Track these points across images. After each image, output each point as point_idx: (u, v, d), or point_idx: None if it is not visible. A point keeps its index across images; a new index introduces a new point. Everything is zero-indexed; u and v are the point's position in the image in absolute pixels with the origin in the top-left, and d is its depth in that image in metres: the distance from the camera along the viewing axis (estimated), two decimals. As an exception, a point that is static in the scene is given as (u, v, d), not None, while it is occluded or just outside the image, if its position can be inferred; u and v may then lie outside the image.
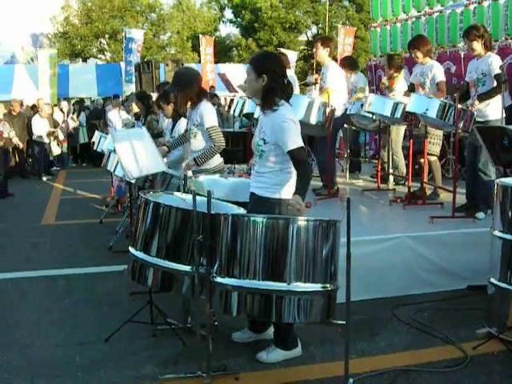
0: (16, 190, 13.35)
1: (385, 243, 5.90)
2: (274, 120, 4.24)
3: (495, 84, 6.62)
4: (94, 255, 7.70)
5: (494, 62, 6.66)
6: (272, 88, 4.27)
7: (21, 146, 14.79)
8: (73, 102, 24.44)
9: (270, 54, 4.99)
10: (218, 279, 3.77)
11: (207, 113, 5.68)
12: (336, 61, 8.82)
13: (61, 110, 20.30)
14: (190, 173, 5.32)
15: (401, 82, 9.07)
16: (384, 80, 9.22)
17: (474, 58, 7.06)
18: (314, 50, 8.09)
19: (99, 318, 5.53)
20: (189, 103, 5.79)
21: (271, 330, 4.75)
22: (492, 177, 6.59)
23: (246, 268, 3.65)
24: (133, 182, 5.81)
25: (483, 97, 6.67)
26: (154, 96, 9.75)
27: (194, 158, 5.68)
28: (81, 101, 23.40)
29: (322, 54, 7.87)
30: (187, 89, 5.70)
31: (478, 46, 6.75)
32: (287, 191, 4.29)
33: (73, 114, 20.59)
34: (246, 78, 4.48)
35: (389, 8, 13.35)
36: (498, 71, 6.59)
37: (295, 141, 4.16)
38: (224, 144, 5.69)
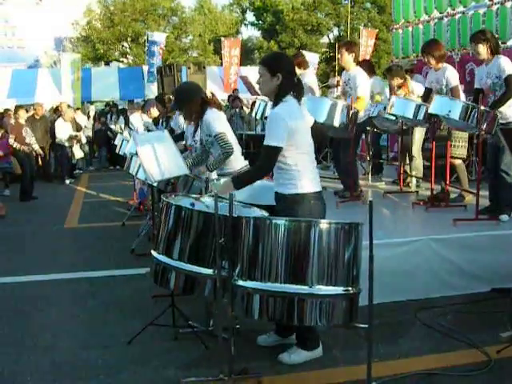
0: (39, 193, 13.45)
1: (408, 246, 5.87)
2: (268, 117, 4.38)
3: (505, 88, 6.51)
4: (117, 258, 7.74)
5: (504, 64, 6.54)
6: (285, 86, 4.35)
7: (41, 152, 14.83)
8: (99, 105, 24.61)
9: (281, 53, 5.19)
10: (240, 282, 3.76)
11: (212, 121, 5.71)
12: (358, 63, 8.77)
13: (88, 113, 20.47)
14: (212, 176, 5.34)
15: (414, 83, 9.06)
16: (399, 92, 9.12)
17: (481, 63, 6.98)
18: (339, 55, 8.00)
19: (122, 320, 5.56)
20: (194, 116, 5.85)
21: (297, 334, 4.76)
22: (514, 179, 6.52)
23: (268, 271, 3.64)
24: (155, 185, 5.83)
25: (496, 105, 6.57)
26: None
27: (206, 165, 5.75)
28: (108, 104, 23.45)
29: (348, 59, 7.79)
30: (189, 104, 5.79)
31: (483, 49, 6.66)
32: (306, 185, 4.33)
33: (110, 118, 20.62)
34: (258, 79, 4.52)
35: (411, 9, 13.31)
36: (508, 73, 6.50)
37: (267, 139, 4.23)
38: (232, 149, 5.71)
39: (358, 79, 7.72)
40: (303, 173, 4.33)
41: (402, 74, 9.27)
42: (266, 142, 4.24)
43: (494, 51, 6.69)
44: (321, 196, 4.46)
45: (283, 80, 4.33)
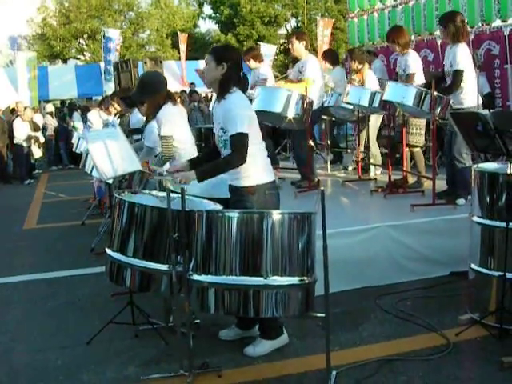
0: (-3, 194, 13.26)
1: (365, 233, 5.87)
2: (225, 106, 4.30)
3: (453, 79, 6.56)
4: (77, 257, 7.64)
5: (458, 55, 6.52)
6: (230, 77, 4.32)
7: None
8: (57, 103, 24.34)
9: (229, 45, 5.16)
10: (195, 277, 3.73)
11: (163, 120, 5.47)
12: (316, 53, 8.81)
13: (47, 113, 20.21)
14: (165, 171, 5.27)
15: (369, 74, 9.08)
16: (354, 77, 9.18)
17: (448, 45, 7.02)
18: (290, 45, 8.06)
19: (81, 320, 5.49)
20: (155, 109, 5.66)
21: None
22: (466, 164, 6.58)
23: (222, 264, 3.62)
24: (109, 182, 5.75)
25: (444, 93, 6.62)
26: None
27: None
28: (62, 102, 23.25)
29: (298, 47, 7.88)
30: (153, 95, 5.54)
31: (446, 32, 6.69)
32: (260, 176, 4.32)
33: (64, 116, 20.34)
34: (203, 68, 4.48)
35: (365, -2, 13.36)
36: (459, 67, 6.50)
37: (236, 127, 4.17)
38: (170, 157, 5.52)
39: (308, 64, 7.79)
40: (257, 163, 4.32)
41: (362, 60, 9.31)
42: (234, 131, 4.17)
43: (458, 37, 6.64)
44: (275, 185, 4.45)
45: (228, 70, 4.30)
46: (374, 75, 9.06)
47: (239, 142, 4.19)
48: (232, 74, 4.33)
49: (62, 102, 24.22)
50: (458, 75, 6.53)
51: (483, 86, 9.08)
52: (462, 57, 6.54)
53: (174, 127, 5.53)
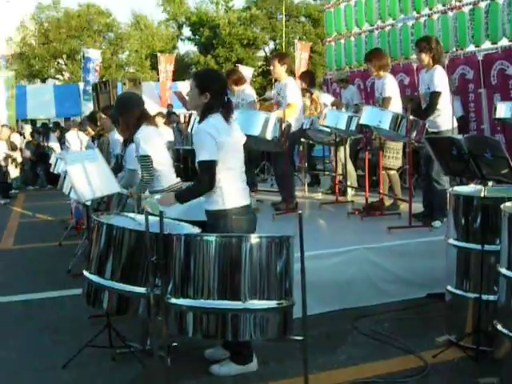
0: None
1: (343, 256, 5.90)
2: (195, 132, 4.44)
3: (430, 101, 6.71)
4: (53, 279, 7.56)
5: (436, 78, 6.70)
6: (212, 105, 4.39)
7: None
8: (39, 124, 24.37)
9: (213, 72, 5.21)
10: (173, 300, 3.72)
11: (141, 141, 5.48)
12: (294, 75, 8.90)
13: (20, 133, 20.12)
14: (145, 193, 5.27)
15: (321, 95, 9.31)
16: (310, 106, 9.43)
17: (423, 69, 7.13)
18: (271, 67, 8.10)
19: (57, 343, 5.43)
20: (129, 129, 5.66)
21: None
22: (445, 186, 6.66)
23: (201, 288, 3.61)
24: (88, 203, 5.73)
25: (421, 117, 6.73)
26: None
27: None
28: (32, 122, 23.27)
29: (279, 70, 7.92)
30: (127, 114, 5.56)
31: (425, 57, 6.81)
32: (229, 201, 4.35)
33: (42, 136, 20.28)
34: (188, 91, 4.59)
35: (342, 22, 13.52)
36: (437, 89, 6.66)
37: (200, 154, 4.27)
38: (150, 177, 5.50)
39: (289, 87, 7.84)
40: (227, 189, 4.35)
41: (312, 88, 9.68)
42: (198, 159, 4.26)
43: (436, 60, 6.81)
44: (247, 210, 4.47)
45: (211, 99, 4.37)
46: (327, 94, 9.31)
47: (203, 169, 4.30)
48: (214, 102, 4.39)
49: (33, 122, 24.21)
50: (435, 97, 6.65)
51: (457, 109, 9.22)
52: (440, 79, 6.67)
53: (152, 147, 5.52)
